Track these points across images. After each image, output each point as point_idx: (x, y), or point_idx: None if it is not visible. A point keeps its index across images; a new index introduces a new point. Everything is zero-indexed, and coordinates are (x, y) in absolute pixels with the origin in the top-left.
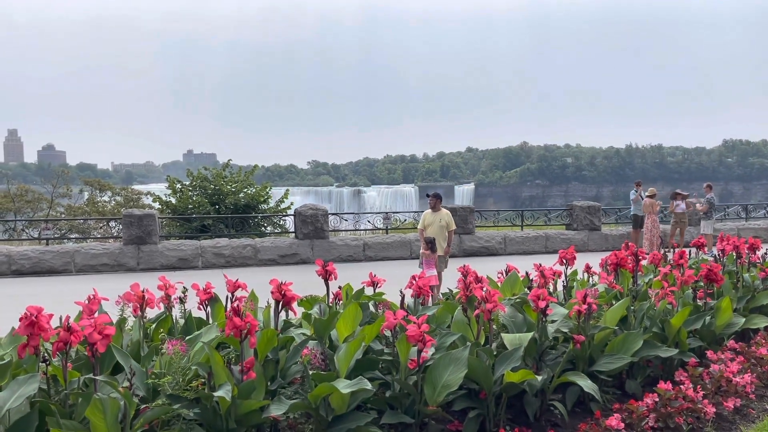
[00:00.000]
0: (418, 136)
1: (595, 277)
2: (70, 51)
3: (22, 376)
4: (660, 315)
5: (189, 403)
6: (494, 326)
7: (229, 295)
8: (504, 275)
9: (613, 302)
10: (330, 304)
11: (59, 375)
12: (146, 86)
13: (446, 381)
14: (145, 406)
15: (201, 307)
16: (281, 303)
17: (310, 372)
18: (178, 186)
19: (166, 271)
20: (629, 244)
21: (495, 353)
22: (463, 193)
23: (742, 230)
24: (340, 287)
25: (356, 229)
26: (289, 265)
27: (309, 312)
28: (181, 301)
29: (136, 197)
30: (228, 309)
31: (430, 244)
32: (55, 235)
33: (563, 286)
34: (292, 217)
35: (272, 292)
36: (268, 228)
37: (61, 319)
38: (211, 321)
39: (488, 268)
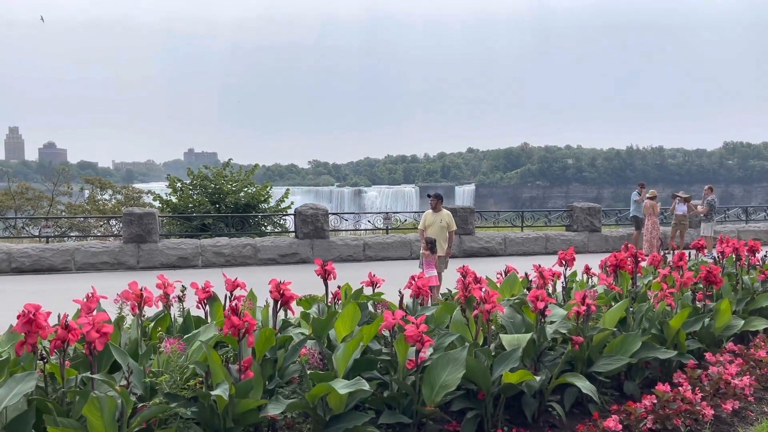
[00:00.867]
0: (419, 137)
1: (595, 279)
2: (71, 49)
3: (19, 374)
4: (659, 317)
5: (186, 401)
6: (493, 327)
7: (228, 294)
8: (503, 276)
9: (612, 304)
10: (329, 304)
11: (57, 373)
12: (148, 85)
13: (444, 381)
14: (142, 404)
15: (200, 305)
16: (280, 302)
17: (308, 371)
18: (179, 185)
19: (166, 269)
20: (629, 245)
21: (493, 354)
22: (464, 194)
23: (742, 232)
24: (339, 287)
25: (356, 229)
26: (289, 265)
27: (307, 311)
28: (180, 299)
29: (136, 196)
30: (226, 308)
31: (431, 244)
32: (56, 233)
33: (562, 287)
34: (293, 216)
35: (271, 292)
36: (269, 227)
37: (59, 316)
38: (209, 320)
39: (488, 268)
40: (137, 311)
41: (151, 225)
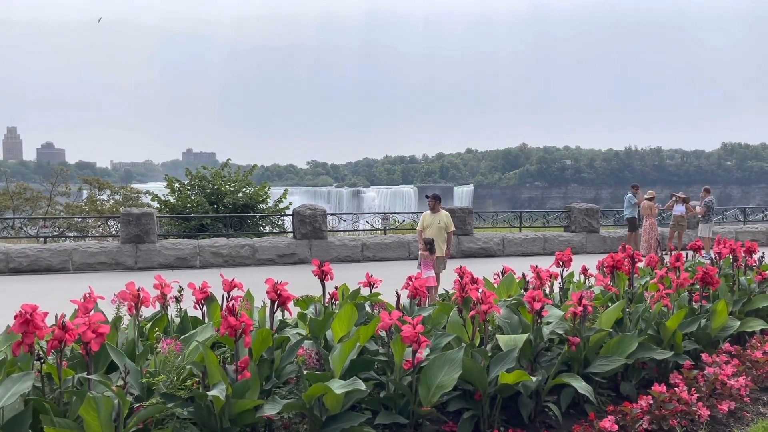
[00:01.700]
0: (417, 137)
1: (592, 279)
2: (70, 49)
3: (16, 374)
4: (655, 317)
5: (183, 402)
6: (489, 327)
7: (226, 295)
8: (500, 277)
9: (609, 304)
10: (326, 305)
11: (54, 373)
12: (146, 85)
13: (441, 382)
14: (139, 404)
15: (197, 306)
16: (277, 303)
17: (305, 372)
18: (177, 185)
19: (164, 270)
20: (626, 246)
21: (490, 354)
22: (462, 195)
23: (740, 233)
24: (336, 287)
25: (355, 230)
26: (287, 265)
27: (304, 312)
28: (177, 300)
29: (134, 196)
30: (223, 308)
31: (429, 245)
32: (53, 234)
33: (559, 287)
34: (291, 217)
35: (268, 292)
36: (267, 228)
37: (56, 317)
38: (206, 320)
39: (486, 269)
40: (134, 311)
41: (149, 225)
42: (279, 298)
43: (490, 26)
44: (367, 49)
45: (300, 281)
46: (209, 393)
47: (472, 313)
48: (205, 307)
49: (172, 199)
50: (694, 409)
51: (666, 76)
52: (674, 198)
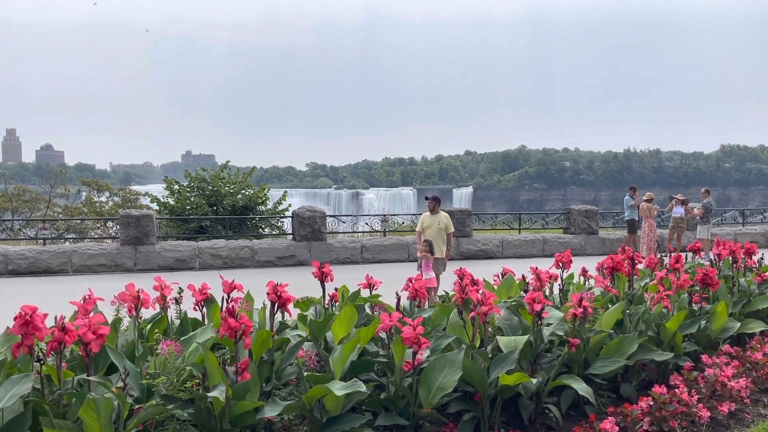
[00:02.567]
0: (416, 139)
1: (592, 281)
2: (69, 51)
3: (16, 376)
4: (655, 319)
5: (183, 403)
6: (490, 329)
7: (225, 296)
8: (500, 278)
9: (609, 306)
10: (326, 306)
11: (53, 375)
12: (146, 87)
13: (441, 383)
14: (139, 406)
15: (197, 307)
16: (277, 304)
17: (305, 373)
18: (176, 187)
19: (163, 271)
20: (626, 248)
21: (490, 356)
22: (462, 196)
23: (739, 235)
24: (336, 289)
25: (354, 232)
26: (286, 267)
27: (305, 313)
28: (177, 301)
29: (133, 198)
30: (223, 310)
31: (429, 246)
32: (53, 235)
33: (559, 289)
34: (290, 218)
35: (268, 294)
36: (266, 229)
37: (56, 318)
38: (206, 322)
39: (485, 271)
40: (134, 313)
41: (149, 227)
42: (279, 300)
43: (490, 28)
44: (366, 50)
45: (299, 283)
46: (209, 394)
47: (472, 314)
48: (204, 309)
49: (171, 201)
50: (695, 410)
51: (665, 78)
52: (673, 201)
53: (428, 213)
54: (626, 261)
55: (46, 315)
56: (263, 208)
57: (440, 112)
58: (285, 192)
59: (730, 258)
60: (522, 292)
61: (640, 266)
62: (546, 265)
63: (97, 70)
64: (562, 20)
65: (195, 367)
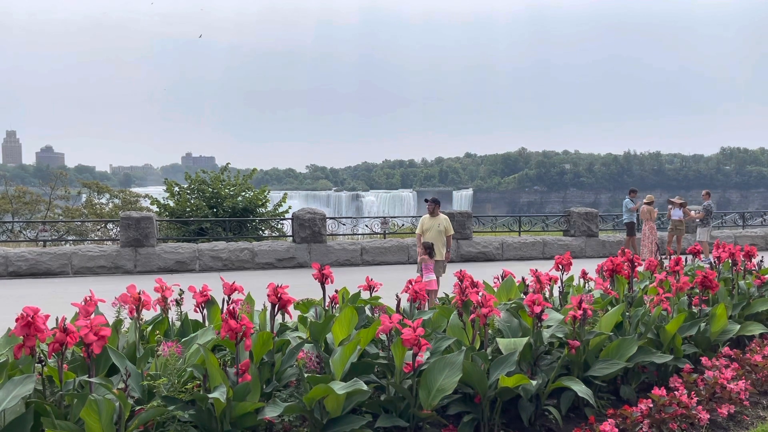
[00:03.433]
0: (416, 141)
1: (591, 283)
2: (69, 53)
3: (17, 377)
4: (655, 321)
5: (184, 404)
6: (489, 331)
7: (226, 298)
8: (500, 280)
9: (609, 308)
10: (326, 308)
11: (55, 376)
12: (146, 89)
13: (441, 385)
14: (140, 407)
15: (197, 309)
16: (277, 306)
17: (306, 375)
18: (176, 189)
19: (163, 273)
20: (625, 250)
21: (490, 358)
22: (461, 199)
23: (739, 238)
24: (336, 291)
25: (354, 234)
26: (286, 269)
27: (305, 315)
28: (178, 303)
29: (134, 200)
30: (224, 312)
31: (429, 249)
32: (53, 237)
33: (559, 291)
34: (290, 220)
35: (268, 295)
36: (266, 231)
37: (57, 320)
38: (207, 323)
39: (485, 273)
40: (135, 314)
41: (149, 229)
42: (279, 302)
43: (490, 30)
44: (366, 52)
45: (299, 285)
46: (210, 396)
47: (472, 316)
48: (205, 311)
49: (171, 203)
50: (694, 412)
51: (666, 80)
52: (672, 205)
53: (428, 215)
54: (626, 263)
55: (47, 316)
56: (263, 210)
57: (440, 114)
58: (285, 194)
59: (730, 260)
60: (522, 295)
61: (639, 269)
62: (546, 267)
63: (97, 71)
64: (563, 21)
65: (196, 368)
